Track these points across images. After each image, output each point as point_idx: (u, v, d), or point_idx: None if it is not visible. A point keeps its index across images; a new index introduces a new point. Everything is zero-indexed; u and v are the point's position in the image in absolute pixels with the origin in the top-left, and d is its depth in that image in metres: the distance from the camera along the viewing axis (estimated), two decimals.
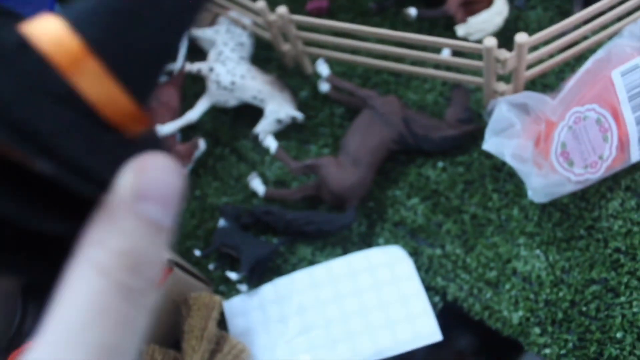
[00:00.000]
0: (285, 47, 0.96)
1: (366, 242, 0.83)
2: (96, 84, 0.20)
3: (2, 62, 0.20)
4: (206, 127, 0.98)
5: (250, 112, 0.96)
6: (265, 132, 0.92)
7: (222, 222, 0.85)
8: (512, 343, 0.75)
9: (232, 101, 0.93)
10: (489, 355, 0.79)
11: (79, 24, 0.21)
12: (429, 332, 0.74)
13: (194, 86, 1.01)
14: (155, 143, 0.23)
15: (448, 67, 0.91)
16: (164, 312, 0.77)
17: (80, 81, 0.20)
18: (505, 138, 0.74)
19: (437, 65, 0.92)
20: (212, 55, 0.95)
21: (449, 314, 0.78)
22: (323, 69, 0.92)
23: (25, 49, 0.20)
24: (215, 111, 0.98)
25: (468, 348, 0.79)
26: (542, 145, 0.76)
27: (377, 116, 0.84)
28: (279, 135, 0.93)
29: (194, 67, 0.93)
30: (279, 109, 0.92)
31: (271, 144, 0.87)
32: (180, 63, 0.95)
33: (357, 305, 0.77)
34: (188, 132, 0.97)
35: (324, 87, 0.93)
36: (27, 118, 0.19)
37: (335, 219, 0.81)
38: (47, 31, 0.20)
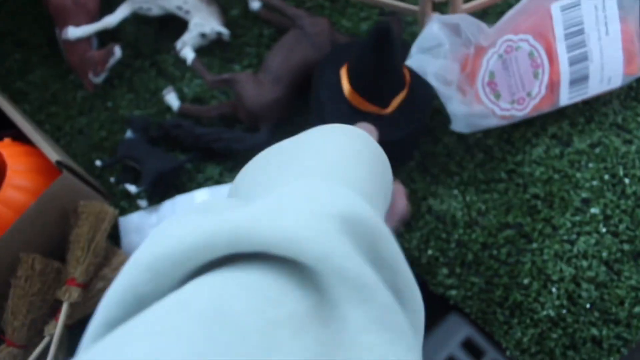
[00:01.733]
0: None
1: None
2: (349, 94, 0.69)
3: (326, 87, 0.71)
4: (128, 37, 0.92)
5: (176, 26, 0.90)
6: (186, 45, 0.86)
7: (128, 134, 0.80)
8: (437, 304, 0.72)
9: (155, 10, 0.87)
10: None
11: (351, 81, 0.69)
12: None
13: None
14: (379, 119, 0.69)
15: None
16: (50, 220, 0.71)
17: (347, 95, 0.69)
18: (431, 56, 0.70)
19: None
20: None
21: None
22: None
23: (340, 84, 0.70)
24: (138, 22, 0.92)
25: None
26: (469, 70, 0.72)
27: (304, 36, 0.79)
28: (202, 51, 0.88)
29: None
30: (204, 22, 0.86)
31: (188, 54, 0.81)
32: None
33: None
34: (107, 41, 0.91)
35: (255, 5, 0.87)
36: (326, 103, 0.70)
37: (248, 138, 0.76)
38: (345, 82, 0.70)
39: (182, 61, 0.88)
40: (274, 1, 0.84)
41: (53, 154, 0.69)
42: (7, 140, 0.74)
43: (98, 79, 0.87)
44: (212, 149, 0.77)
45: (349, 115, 0.70)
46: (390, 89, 0.69)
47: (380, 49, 0.63)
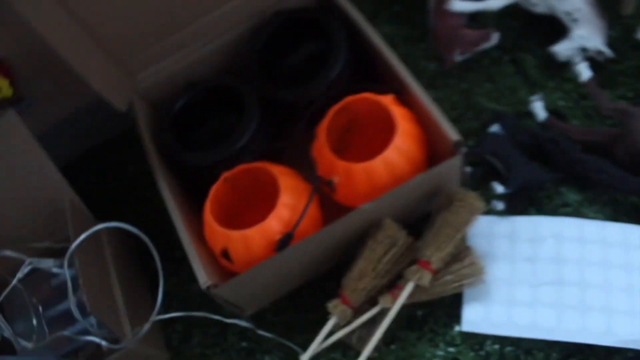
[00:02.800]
0: None
1: (636, 216, 0.72)
2: None
3: None
4: (489, 24, 0.87)
5: (543, 29, 0.85)
6: (563, 55, 0.80)
7: (495, 128, 0.75)
8: None
9: (540, 8, 0.82)
10: None
11: None
12: None
13: None
14: None
15: None
16: (419, 195, 0.68)
17: None
18: None
19: None
20: None
21: None
22: None
23: None
24: (506, 12, 0.86)
25: None
26: None
27: None
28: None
29: None
30: (589, 37, 0.79)
31: (584, 70, 0.75)
32: None
33: (626, 281, 0.67)
34: (472, 20, 0.86)
35: None
36: None
37: (628, 180, 0.70)
38: None
39: (546, 66, 0.82)
40: None
41: (453, 133, 0.65)
42: (391, 97, 0.70)
43: (460, 58, 0.83)
44: (588, 177, 0.71)
45: None
46: None
47: None
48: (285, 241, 0.66)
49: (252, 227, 0.67)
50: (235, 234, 0.67)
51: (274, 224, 0.67)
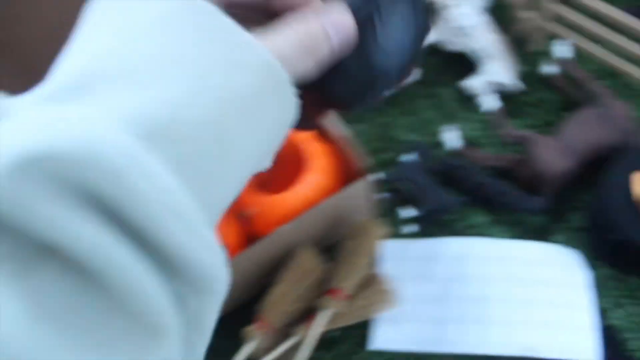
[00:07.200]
0: (526, 14, 0.90)
1: (539, 235, 0.78)
2: None
3: None
4: None
5: (459, 64, 0.92)
6: (473, 89, 0.87)
7: (408, 157, 0.82)
8: None
9: (455, 45, 0.89)
10: None
11: None
12: (586, 350, 0.69)
13: None
14: None
15: None
16: (329, 220, 0.74)
17: None
18: None
19: None
20: None
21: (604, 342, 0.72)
22: (564, 51, 0.86)
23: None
24: (426, 49, 0.94)
25: None
26: None
27: (605, 117, 0.78)
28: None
29: None
30: (498, 71, 0.87)
31: (493, 101, 0.82)
32: None
33: (523, 294, 0.72)
34: None
35: (550, 69, 0.88)
36: None
37: (526, 200, 0.76)
38: None
39: (462, 99, 0.89)
40: (578, 71, 0.84)
41: (361, 160, 0.71)
42: (310, 134, 0.77)
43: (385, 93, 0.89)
44: (489, 199, 0.77)
45: (636, 221, 0.70)
46: None
47: None
48: None
49: None
50: None
51: None
